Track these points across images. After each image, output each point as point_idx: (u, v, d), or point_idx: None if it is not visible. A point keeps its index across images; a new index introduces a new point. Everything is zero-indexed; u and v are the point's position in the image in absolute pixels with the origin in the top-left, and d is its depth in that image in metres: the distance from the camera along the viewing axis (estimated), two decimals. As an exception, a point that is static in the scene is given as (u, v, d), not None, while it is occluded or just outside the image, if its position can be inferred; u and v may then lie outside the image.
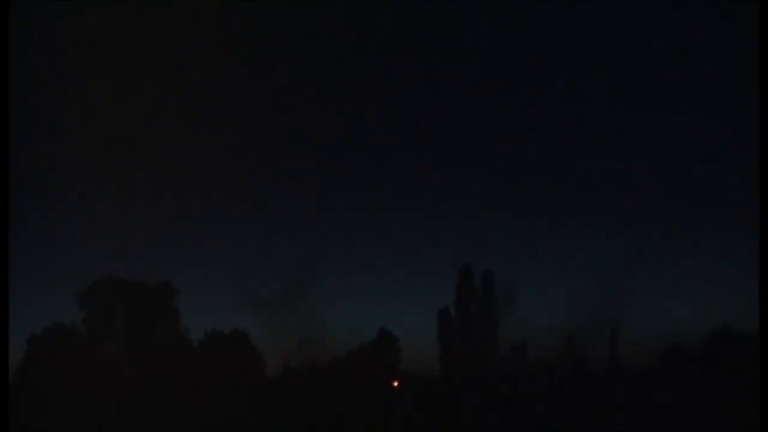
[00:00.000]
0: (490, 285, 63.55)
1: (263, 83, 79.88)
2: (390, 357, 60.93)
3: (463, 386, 55.18)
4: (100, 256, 72.28)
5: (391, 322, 74.14)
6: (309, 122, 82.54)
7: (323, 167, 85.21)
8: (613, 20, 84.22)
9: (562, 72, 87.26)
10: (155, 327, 59.47)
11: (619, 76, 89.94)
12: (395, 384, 59.30)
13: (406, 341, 61.65)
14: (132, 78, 72.76)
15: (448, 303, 62.55)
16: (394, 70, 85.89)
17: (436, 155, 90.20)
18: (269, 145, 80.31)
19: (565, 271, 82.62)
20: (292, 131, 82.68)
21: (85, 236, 73.48)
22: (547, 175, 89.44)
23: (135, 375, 57.95)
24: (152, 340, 59.37)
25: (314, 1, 77.56)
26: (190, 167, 79.07)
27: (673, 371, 55.41)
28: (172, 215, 77.12)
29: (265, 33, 78.06)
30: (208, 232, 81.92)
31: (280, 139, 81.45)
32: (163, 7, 69.34)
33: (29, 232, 73.23)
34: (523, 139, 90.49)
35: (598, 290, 68.51)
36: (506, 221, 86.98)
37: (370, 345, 60.86)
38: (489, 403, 51.77)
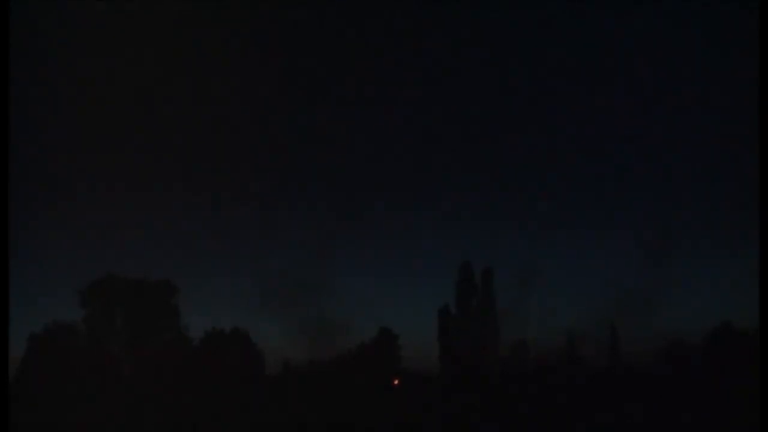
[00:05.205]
0: (489, 283, 63.61)
1: (267, 84, 79.95)
2: (390, 355, 60.89)
3: (463, 385, 55.16)
4: (100, 255, 72.59)
5: (391, 320, 74.30)
6: (311, 124, 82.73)
7: (324, 168, 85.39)
8: (616, 22, 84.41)
9: (563, 73, 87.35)
10: (155, 325, 59.50)
11: (620, 78, 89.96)
12: (395, 382, 59.29)
13: (406, 339, 61.74)
14: (133, 78, 72.86)
15: (449, 301, 62.69)
16: (395, 73, 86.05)
17: (436, 155, 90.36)
18: (272, 147, 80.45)
19: (566, 271, 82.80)
20: (293, 132, 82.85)
21: (85, 236, 73.70)
22: (548, 175, 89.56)
23: (135, 373, 57.99)
24: (153, 339, 59.41)
25: (317, 3, 77.71)
26: (192, 167, 79.24)
27: (673, 369, 55.40)
28: (173, 214, 77.30)
29: (269, 34, 78.16)
30: (210, 231, 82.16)
31: (282, 141, 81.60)
32: (165, 8, 69.38)
33: (29, 232, 73.42)
34: (524, 140, 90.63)
35: (599, 289, 68.57)
36: (506, 220, 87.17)
37: (370, 343, 60.87)
38: (489, 402, 51.73)
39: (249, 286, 72.65)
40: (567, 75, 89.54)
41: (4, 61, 40.55)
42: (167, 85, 73.13)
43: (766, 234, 37.04)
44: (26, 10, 65.11)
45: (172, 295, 60.54)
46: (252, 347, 60.46)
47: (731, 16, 77.18)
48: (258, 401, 54.75)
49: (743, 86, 72.06)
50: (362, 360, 59.19)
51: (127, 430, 49.88)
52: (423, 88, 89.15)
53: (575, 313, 77.89)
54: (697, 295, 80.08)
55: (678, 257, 74.63)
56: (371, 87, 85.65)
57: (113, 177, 77.09)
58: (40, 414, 50.84)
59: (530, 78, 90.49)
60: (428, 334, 62.29)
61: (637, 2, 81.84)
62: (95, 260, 77.93)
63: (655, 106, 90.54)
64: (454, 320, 62.11)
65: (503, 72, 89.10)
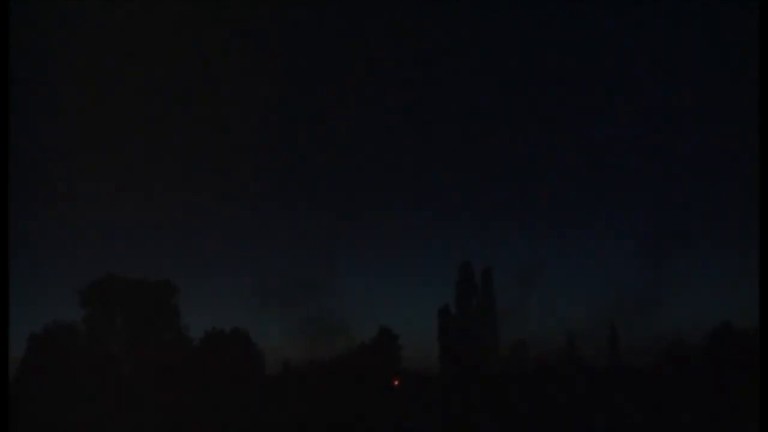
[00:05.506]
0: (489, 283, 63.63)
1: (266, 83, 79.99)
2: (390, 355, 60.84)
3: (463, 385, 55.16)
4: (100, 255, 72.61)
5: (391, 320, 74.23)
6: (310, 124, 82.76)
7: (324, 168, 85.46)
8: (616, 22, 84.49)
9: (563, 73, 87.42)
10: (155, 325, 59.47)
11: (620, 78, 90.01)
12: (395, 382, 59.26)
13: (406, 339, 61.68)
14: (132, 78, 72.90)
15: (449, 301, 62.68)
16: (395, 73, 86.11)
17: (435, 156, 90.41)
18: (272, 147, 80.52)
19: (566, 271, 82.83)
20: (293, 133, 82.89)
21: (85, 236, 73.75)
22: (548, 175, 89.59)
23: (135, 373, 57.98)
24: (153, 339, 59.37)
25: (317, 3, 77.74)
26: (192, 167, 79.30)
27: (673, 369, 55.38)
28: (173, 214, 77.35)
29: (269, 34, 78.21)
30: (210, 232, 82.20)
31: (282, 141, 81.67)
32: (165, 8, 69.43)
33: (29, 232, 73.40)
34: (524, 140, 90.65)
35: (599, 289, 68.46)
36: (506, 220, 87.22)
37: (370, 343, 60.83)
38: (489, 402, 51.75)
39: (249, 286, 72.50)
40: (567, 75, 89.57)
41: (4, 61, 40.60)
42: (167, 85, 73.21)
43: (766, 234, 37.09)
44: (26, 10, 65.16)
45: (172, 295, 60.52)
46: (252, 347, 60.39)
47: (731, 16, 77.31)
48: (258, 401, 54.73)
49: (743, 86, 72.15)
50: (362, 360, 59.12)
51: (127, 430, 49.90)
52: (423, 88, 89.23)
53: (575, 313, 77.72)
54: (697, 295, 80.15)
55: (678, 257, 74.61)
56: (371, 87, 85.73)
57: (113, 177, 77.17)
58: (40, 414, 50.82)
59: (530, 78, 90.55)
60: (428, 334, 62.34)
61: (637, 2, 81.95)
62: (95, 260, 77.92)
63: (655, 106, 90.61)
64: (454, 320, 62.11)
65: (503, 72, 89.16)
